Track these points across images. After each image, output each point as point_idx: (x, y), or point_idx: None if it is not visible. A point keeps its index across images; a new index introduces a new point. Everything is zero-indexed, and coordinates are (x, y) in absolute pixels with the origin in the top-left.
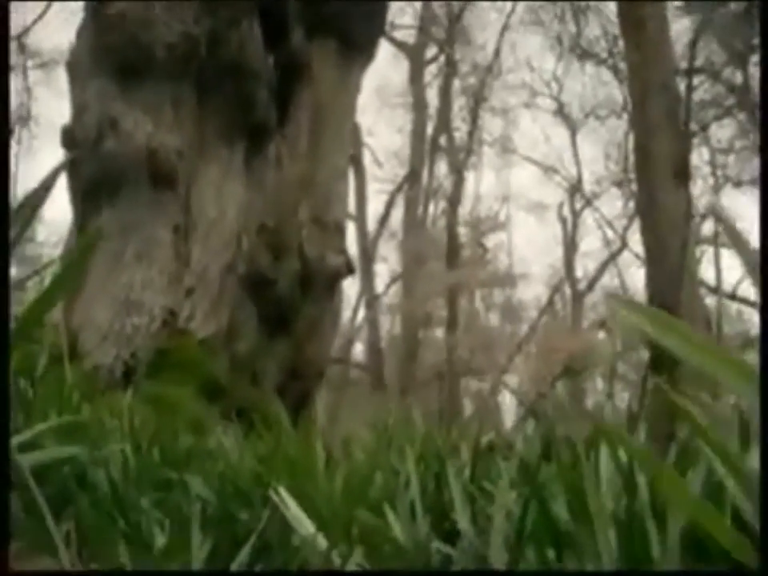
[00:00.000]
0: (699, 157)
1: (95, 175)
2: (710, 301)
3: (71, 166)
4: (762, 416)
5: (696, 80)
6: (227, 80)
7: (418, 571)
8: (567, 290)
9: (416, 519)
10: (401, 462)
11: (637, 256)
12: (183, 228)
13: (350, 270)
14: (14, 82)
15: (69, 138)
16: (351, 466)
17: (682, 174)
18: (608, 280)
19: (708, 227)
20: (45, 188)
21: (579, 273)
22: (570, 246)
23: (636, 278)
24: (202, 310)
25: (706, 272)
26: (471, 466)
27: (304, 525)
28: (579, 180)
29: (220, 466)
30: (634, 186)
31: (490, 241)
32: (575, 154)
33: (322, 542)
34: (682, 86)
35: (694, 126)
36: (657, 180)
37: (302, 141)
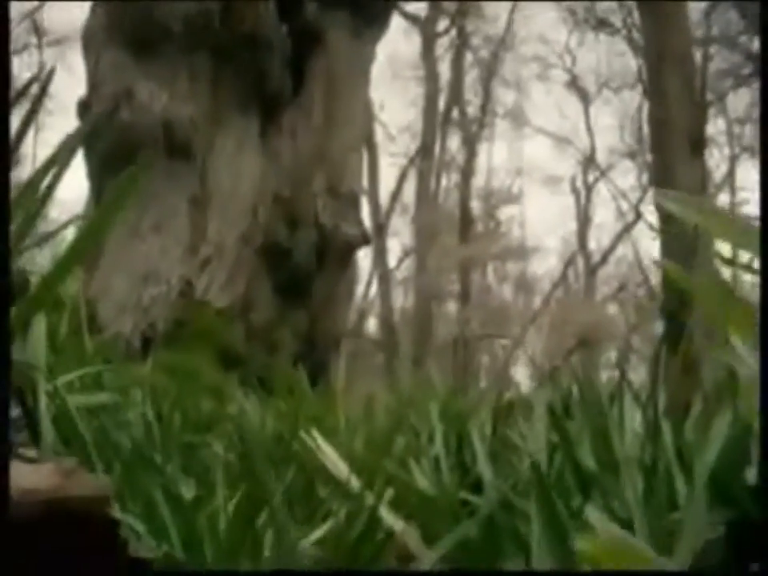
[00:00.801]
0: (715, 127)
1: (111, 147)
2: (725, 273)
3: (87, 139)
4: (761, 416)
5: (712, 49)
6: (242, 51)
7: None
8: (580, 263)
9: (441, 472)
10: (423, 421)
11: (651, 227)
12: (199, 199)
13: (365, 240)
14: (27, 60)
15: (84, 110)
16: (373, 425)
17: (698, 144)
18: (621, 252)
19: (724, 198)
20: (69, 150)
21: (592, 245)
22: (583, 218)
23: (650, 250)
24: (219, 280)
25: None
26: (493, 421)
27: (338, 467)
28: (592, 152)
29: (242, 428)
30: (648, 157)
31: (503, 214)
32: (588, 127)
33: (356, 484)
34: (698, 56)
35: (710, 96)
36: (672, 151)
37: (316, 112)
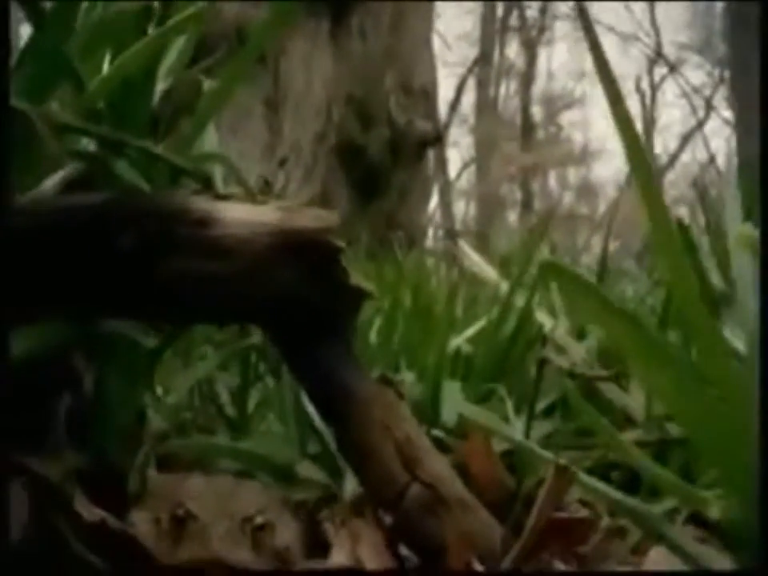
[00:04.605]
0: None
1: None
2: None
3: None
4: (761, 414)
5: None
6: None
7: None
8: None
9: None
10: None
11: (726, 122)
12: (274, 100)
13: (438, 136)
14: None
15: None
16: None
17: None
18: (688, 156)
19: None
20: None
21: (658, 148)
22: (649, 119)
23: (720, 149)
24: (296, 179)
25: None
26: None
27: (487, 271)
28: (659, 47)
29: None
30: (720, 52)
31: (565, 118)
32: (654, 23)
33: (504, 285)
34: None
35: None
36: (750, 41)
37: (384, 12)
